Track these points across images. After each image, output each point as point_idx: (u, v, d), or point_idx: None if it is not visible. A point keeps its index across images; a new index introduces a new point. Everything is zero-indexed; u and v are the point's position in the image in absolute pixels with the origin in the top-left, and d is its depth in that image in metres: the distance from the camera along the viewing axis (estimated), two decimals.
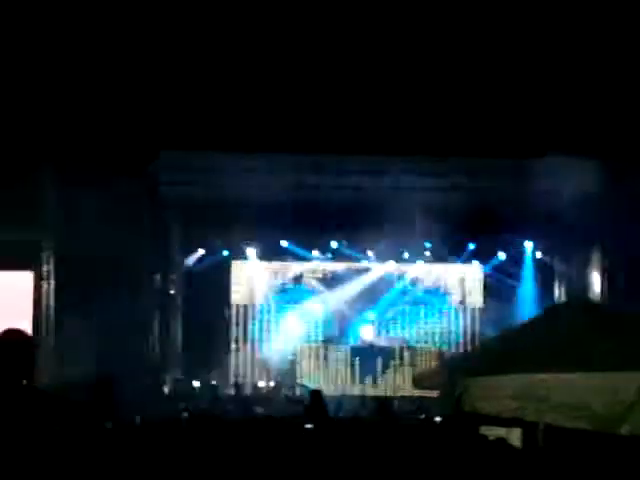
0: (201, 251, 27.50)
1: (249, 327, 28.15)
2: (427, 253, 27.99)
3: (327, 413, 10.29)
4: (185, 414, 17.82)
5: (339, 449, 7.70)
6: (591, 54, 20.29)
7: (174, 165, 25.00)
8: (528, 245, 27.72)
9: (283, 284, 28.44)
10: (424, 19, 19.64)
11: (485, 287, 28.59)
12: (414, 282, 28.63)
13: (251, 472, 7.13)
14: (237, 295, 28.26)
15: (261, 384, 27.22)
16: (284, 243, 27.38)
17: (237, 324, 28.06)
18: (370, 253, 27.96)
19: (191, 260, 27.45)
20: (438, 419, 12.21)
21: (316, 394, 11.26)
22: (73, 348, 22.35)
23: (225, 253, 27.69)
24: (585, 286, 26.25)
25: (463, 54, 20.51)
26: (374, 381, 27.09)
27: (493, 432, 9.89)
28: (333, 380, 27.31)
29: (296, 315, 28.10)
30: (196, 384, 25.58)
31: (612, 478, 7.52)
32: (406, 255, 27.91)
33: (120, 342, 22.44)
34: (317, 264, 28.37)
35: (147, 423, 10.25)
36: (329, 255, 28.06)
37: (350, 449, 7.64)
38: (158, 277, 26.11)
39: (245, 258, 27.93)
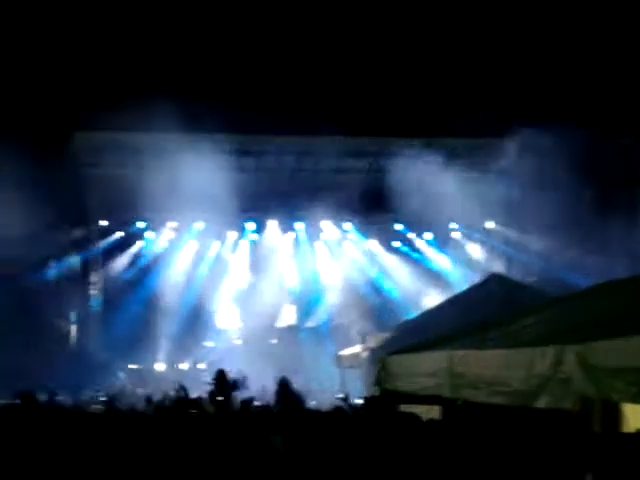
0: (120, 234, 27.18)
1: None
2: None
3: (230, 394, 10.13)
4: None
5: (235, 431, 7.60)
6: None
7: (92, 145, 24.62)
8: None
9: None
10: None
11: None
12: None
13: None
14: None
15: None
16: (199, 225, 27.17)
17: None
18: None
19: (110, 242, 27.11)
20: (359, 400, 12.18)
21: (220, 374, 11.06)
22: None
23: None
24: None
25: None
26: None
27: (414, 410, 9.89)
28: None
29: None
30: None
31: (529, 452, 7.60)
32: None
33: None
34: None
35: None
36: (248, 235, 27.97)
37: (243, 429, 7.56)
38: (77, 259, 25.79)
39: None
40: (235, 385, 10.19)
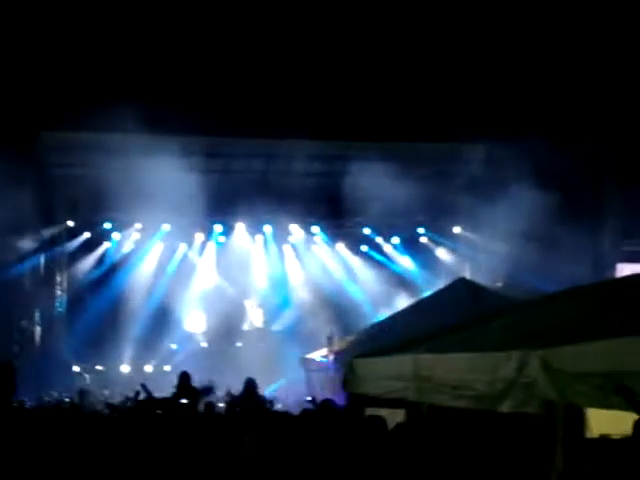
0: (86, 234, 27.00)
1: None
2: None
3: (196, 394, 10.13)
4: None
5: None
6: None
7: (59, 146, 24.42)
8: None
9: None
10: None
11: None
12: None
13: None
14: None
15: None
16: (166, 227, 27.03)
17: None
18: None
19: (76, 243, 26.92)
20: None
21: (184, 376, 11.05)
22: None
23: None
24: None
25: None
26: None
27: (380, 413, 9.92)
28: None
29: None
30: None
31: (493, 455, 7.65)
32: None
33: None
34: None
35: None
36: (216, 238, 27.90)
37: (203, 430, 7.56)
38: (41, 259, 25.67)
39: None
40: (205, 392, 10.19)
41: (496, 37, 21.22)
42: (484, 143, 24.88)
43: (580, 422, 7.12)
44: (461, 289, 17.53)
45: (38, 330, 25.98)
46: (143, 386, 11.92)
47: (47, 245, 26.22)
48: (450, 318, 11.14)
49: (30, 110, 21.98)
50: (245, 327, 27.95)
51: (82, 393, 12.96)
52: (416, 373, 8.02)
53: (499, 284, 25.18)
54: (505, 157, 23.00)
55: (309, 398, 16.34)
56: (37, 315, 26.08)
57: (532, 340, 6.68)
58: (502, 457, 7.54)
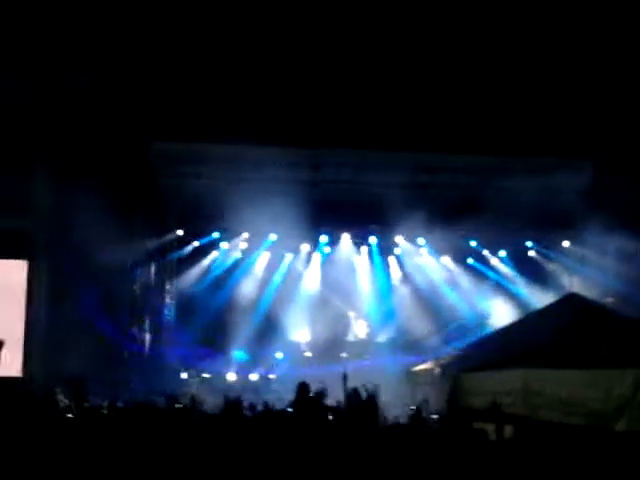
0: (195, 243, 27.46)
1: None
2: None
3: (315, 406, 10.17)
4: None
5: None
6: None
7: (169, 156, 24.95)
8: None
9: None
10: None
11: None
12: None
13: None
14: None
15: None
16: (273, 237, 27.27)
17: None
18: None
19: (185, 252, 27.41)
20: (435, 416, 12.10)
21: (302, 387, 11.10)
22: (65, 338, 22.33)
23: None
24: None
25: None
26: None
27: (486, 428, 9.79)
28: None
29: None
30: None
31: (603, 473, 7.45)
32: None
33: None
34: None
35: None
36: (321, 248, 28.02)
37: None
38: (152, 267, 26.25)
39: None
40: (320, 395, 10.25)
41: (610, 55, 20.75)
42: (593, 157, 24.47)
43: None
44: (572, 304, 17.18)
45: (148, 337, 26.53)
46: (265, 403, 12.16)
47: (157, 253, 26.78)
48: (561, 333, 10.95)
49: (141, 121, 22.52)
50: (349, 338, 27.94)
51: (194, 399, 13.16)
52: (525, 388, 7.90)
53: (610, 299, 24.58)
54: (614, 171, 22.54)
55: (413, 407, 16.23)
56: (147, 322, 26.64)
57: None
58: (614, 476, 7.34)
